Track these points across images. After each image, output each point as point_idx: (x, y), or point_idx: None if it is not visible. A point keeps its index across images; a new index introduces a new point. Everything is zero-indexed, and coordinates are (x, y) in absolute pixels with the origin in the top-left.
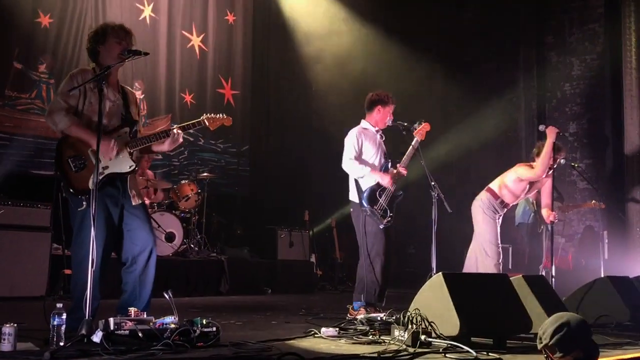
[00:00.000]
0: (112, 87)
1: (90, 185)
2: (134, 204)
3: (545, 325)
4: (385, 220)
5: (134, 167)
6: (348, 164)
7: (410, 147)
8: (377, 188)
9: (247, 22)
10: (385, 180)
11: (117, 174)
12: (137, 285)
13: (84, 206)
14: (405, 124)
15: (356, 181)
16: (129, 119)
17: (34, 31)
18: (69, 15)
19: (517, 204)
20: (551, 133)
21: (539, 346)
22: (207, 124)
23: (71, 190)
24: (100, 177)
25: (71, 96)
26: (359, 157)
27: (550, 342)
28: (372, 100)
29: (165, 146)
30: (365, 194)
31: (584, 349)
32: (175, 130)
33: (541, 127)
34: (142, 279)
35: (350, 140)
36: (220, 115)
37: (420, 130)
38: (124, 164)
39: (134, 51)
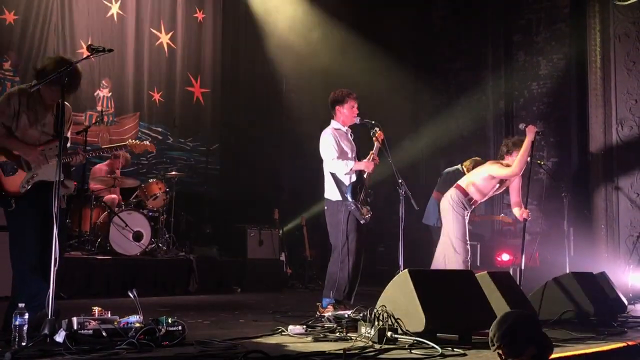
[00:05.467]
0: (46, 109)
1: (20, 188)
2: (62, 207)
3: (493, 328)
4: (366, 216)
5: (61, 177)
6: (333, 164)
7: (371, 154)
8: (357, 184)
9: (216, 19)
10: (370, 167)
11: (46, 182)
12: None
13: (13, 207)
14: (373, 122)
15: (335, 178)
16: (60, 134)
17: None
18: (34, 12)
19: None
20: (530, 132)
21: (492, 349)
22: (131, 147)
23: (2, 193)
24: (31, 183)
25: (3, 115)
26: (339, 156)
27: (502, 345)
28: (330, 101)
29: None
30: (349, 189)
31: (537, 345)
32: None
33: (521, 126)
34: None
35: (328, 141)
36: (145, 142)
37: (377, 137)
38: (53, 173)
39: (97, 48)
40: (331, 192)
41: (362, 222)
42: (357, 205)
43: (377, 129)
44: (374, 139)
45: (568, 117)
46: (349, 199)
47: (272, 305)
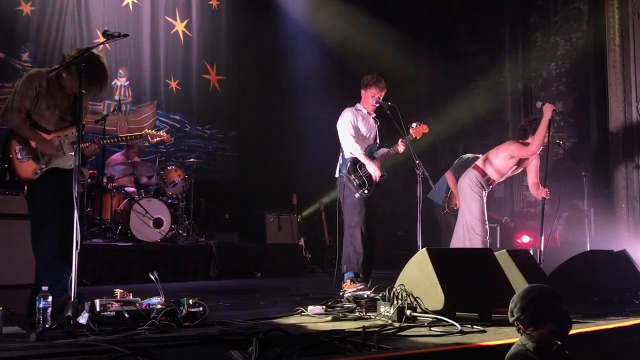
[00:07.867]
0: (64, 95)
1: (33, 175)
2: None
3: (515, 299)
4: (361, 190)
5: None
6: (349, 141)
7: (399, 141)
8: (358, 160)
9: (231, 6)
10: (375, 173)
11: (60, 169)
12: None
13: (25, 192)
14: (389, 103)
15: (342, 155)
16: (78, 122)
17: (16, 19)
18: (50, 2)
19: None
20: (547, 110)
21: (511, 319)
22: (148, 137)
23: (15, 178)
24: (44, 170)
25: (27, 98)
26: (354, 136)
27: (522, 316)
28: (361, 83)
29: (85, 152)
30: (347, 163)
31: (556, 320)
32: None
33: (538, 104)
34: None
35: (346, 119)
36: (162, 132)
37: (417, 130)
38: (67, 161)
39: (112, 33)
40: (338, 169)
41: (356, 196)
42: (350, 178)
43: (415, 124)
44: (412, 130)
45: (587, 97)
46: (343, 171)
47: (292, 289)
